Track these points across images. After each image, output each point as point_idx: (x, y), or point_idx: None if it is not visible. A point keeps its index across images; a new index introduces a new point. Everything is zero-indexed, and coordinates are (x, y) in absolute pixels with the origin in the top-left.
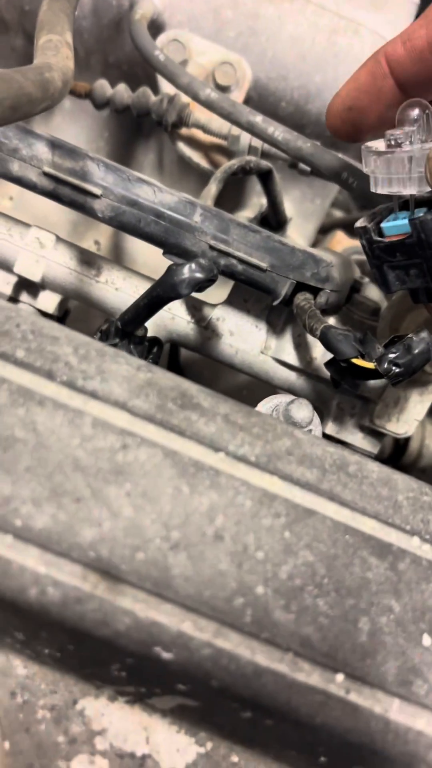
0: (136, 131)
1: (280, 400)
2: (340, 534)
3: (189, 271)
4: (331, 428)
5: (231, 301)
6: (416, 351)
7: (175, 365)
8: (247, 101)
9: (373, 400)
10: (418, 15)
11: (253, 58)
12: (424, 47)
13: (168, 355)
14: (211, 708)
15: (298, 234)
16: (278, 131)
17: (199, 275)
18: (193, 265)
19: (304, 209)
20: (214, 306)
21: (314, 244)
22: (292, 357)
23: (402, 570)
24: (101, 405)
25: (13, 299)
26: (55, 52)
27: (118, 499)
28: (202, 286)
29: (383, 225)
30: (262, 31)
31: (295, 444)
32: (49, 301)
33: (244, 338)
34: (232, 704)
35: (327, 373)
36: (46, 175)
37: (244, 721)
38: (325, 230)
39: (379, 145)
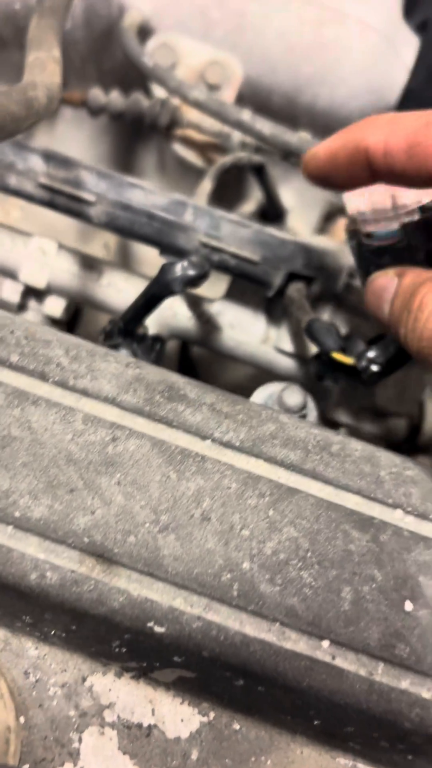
0: (137, 134)
1: (274, 388)
2: (323, 510)
3: (181, 269)
4: (334, 413)
5: (229, 295)
6: (394, 351)
7: (186, 360)
8: (240, 97)
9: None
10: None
11: (242, 55)
12: (404, 164)
13: (179, 350)
14: (207, 678)
15: (301, 222)
16: (265, 127)
17: (191, 272)
18: (185, 263)
19: (306, 198)
20: (213, 300)
21: (320, 231)
22: (292, 346)
23: (384, 541)
24: (92, 401)
25: (22, 306)
26: (42, 69)
27: (109, 488)
28: (195, 282)
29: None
30: (250, 28)
31: (279, 428)
32: (55, 305)
33: (244, 330)
34: (224, 673)
35: None
36: (42, 186)
37: (238, 688)
38: (332, 215)
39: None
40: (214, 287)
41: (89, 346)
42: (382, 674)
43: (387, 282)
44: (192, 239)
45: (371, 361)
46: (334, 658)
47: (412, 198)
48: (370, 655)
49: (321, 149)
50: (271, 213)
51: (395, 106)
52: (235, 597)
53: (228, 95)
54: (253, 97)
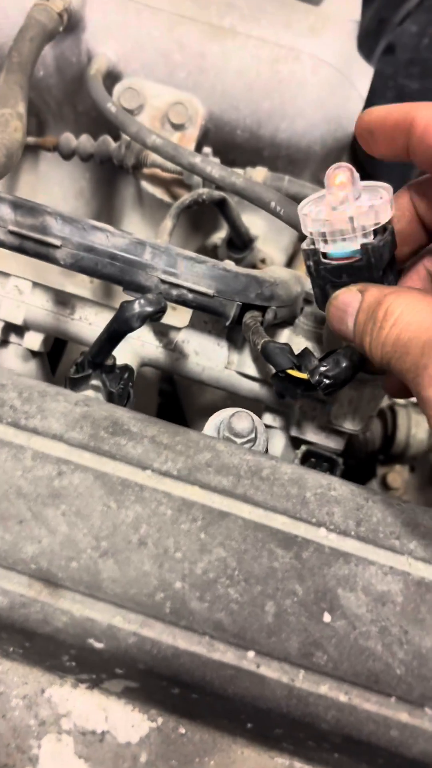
0: (115, 169)
1: (225, 414)
2: (250, 531)
3: (139, 306)
4: (296, 430)
5: (193, 324)
6: (344, 365)
7: (168, 382)
8: (206, 133)
9: (329, 402)
10: (359, 36)
11: (204, 94)
12: None
13: (161, 373)
14: (149, 687)
15: (273, 248)
16: (215, 170)
17: (148, 309)
18: (142, 301)
19: (276, 223)
20: (178, 329)
21: (293, 254)
22: (253, 369)
23: (305, 558)
24: (41, 439)
25: (4, 341)
26: (4, 127)
27: (55, 519)
28: (152, 317)
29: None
30: (210, 69)
31: (214, 456)
32: (34, 339)
33: (208, 356)
34: (161, 683)
35: None
36: (11, 233)
37: (176, 696)
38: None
39: (316, 211)
40: (180, 316)
41: (42, 387)
42: (302, 680)
43: (351, 298)
44: (151, 276)
45: (323, 375)
46: (258, 666)
47: (370, 220)
48: (291, 663)
49: (377, 107)
50: (238, 242)
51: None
52: (167, 614)
53: (191, 133)
54: (218, 132)
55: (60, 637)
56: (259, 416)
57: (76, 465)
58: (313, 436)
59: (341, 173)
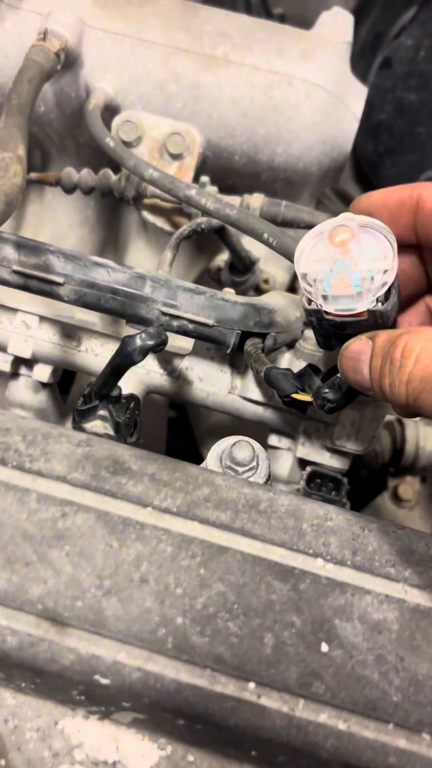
0: (117, 199)
1: (227, 443)
2: (248, 565)
3: (140, 340)
4: (301, 451)
5: (196, 351)
6: (345, 388)
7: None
8: (204, 161)
9: (332, 423)
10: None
11: (201, 123)
12: None
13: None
14: (155, 719)
15: (275, 268)
16: (209, 202)
17: (149, 342)
18: (143, 335)
19: None
20: (182, 357)
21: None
22: (256, 393)
23: (303, 589)
24: (45, 481)
25: (14, 374)
26: (4, 172)
27: (59, 560)
28: (154, 350)
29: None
30: (205, 98)
31: (212, 491)
32: (42, 371)
33: (212, 382)
34: (165, 715)
35: None
36: (16, 272)
37: (182, 726)
38: None
39: (314, 272)
40: (185, 342)
41: (45, 428)
42: (302, 710)
43: (362, 346)
44: (152, 309)
45: (326, 398)
46: (259, 697)
47: (377, 284)
48: (290, 693)
49: (374, 192)
50: (240, 266)
51: (351, 151)
52: (170, 649)
53: (189, 162)
54: (216, 159)
55: (67, 674)
56: (265, 438)
57: (78, 505)
58: (317, 456)
59: (342, 232)
